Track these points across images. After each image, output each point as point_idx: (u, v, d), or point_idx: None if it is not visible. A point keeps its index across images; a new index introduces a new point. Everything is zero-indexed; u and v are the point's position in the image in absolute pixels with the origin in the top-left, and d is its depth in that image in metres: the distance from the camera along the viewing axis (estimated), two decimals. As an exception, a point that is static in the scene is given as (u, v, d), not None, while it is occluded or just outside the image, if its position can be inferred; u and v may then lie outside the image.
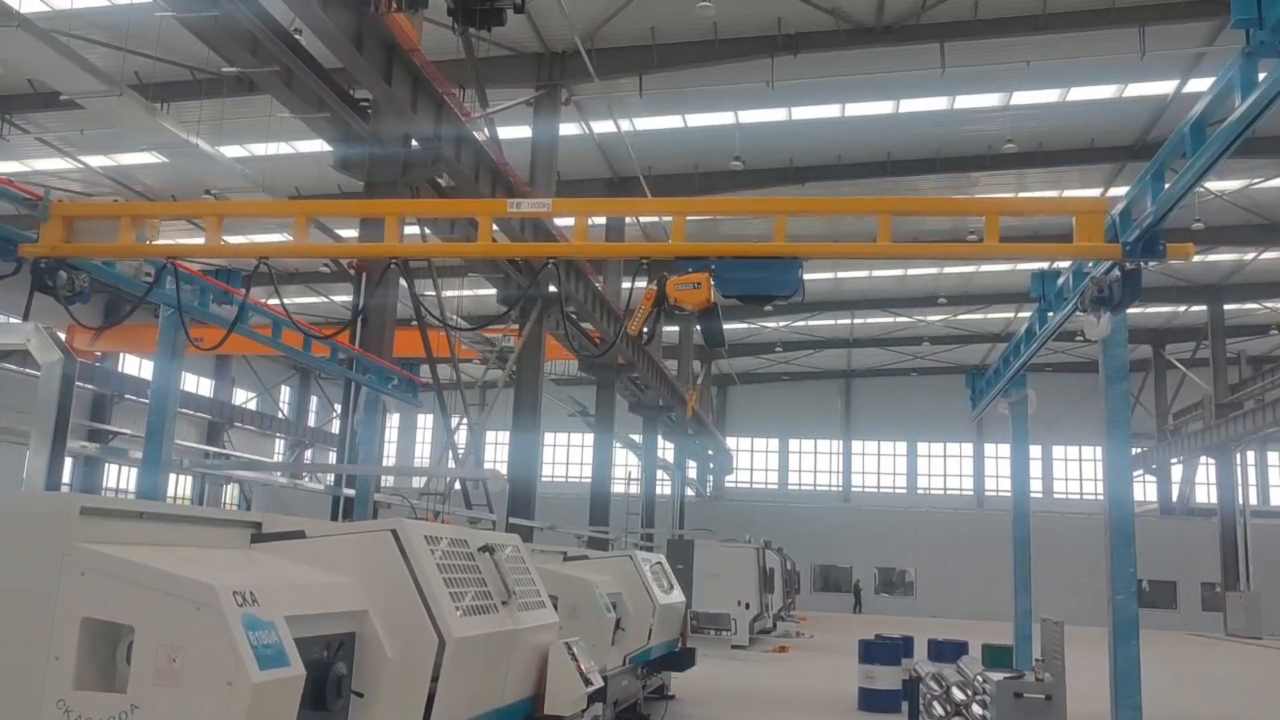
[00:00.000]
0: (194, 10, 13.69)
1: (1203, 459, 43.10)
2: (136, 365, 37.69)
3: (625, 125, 25.90)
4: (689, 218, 8.54)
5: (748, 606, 22.85)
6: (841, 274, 37.73)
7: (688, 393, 36.83)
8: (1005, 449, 17.86)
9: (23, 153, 27.86)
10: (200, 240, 8.79)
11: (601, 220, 30.86)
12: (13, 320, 9.94)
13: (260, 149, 25.09)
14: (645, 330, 7.78)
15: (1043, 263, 9.49)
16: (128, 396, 34.92)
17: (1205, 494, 45.51)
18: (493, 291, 25.41)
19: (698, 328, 8.51)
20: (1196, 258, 35.08)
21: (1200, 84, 23.16)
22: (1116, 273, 7.44)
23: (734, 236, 34.66)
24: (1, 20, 12.88)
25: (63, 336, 6.90)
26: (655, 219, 30.75)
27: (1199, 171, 6.51)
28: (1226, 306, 39.98)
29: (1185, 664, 24.10)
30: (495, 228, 20.71)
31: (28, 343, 6.70)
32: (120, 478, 38.11)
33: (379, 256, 8.11)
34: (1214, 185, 28.01)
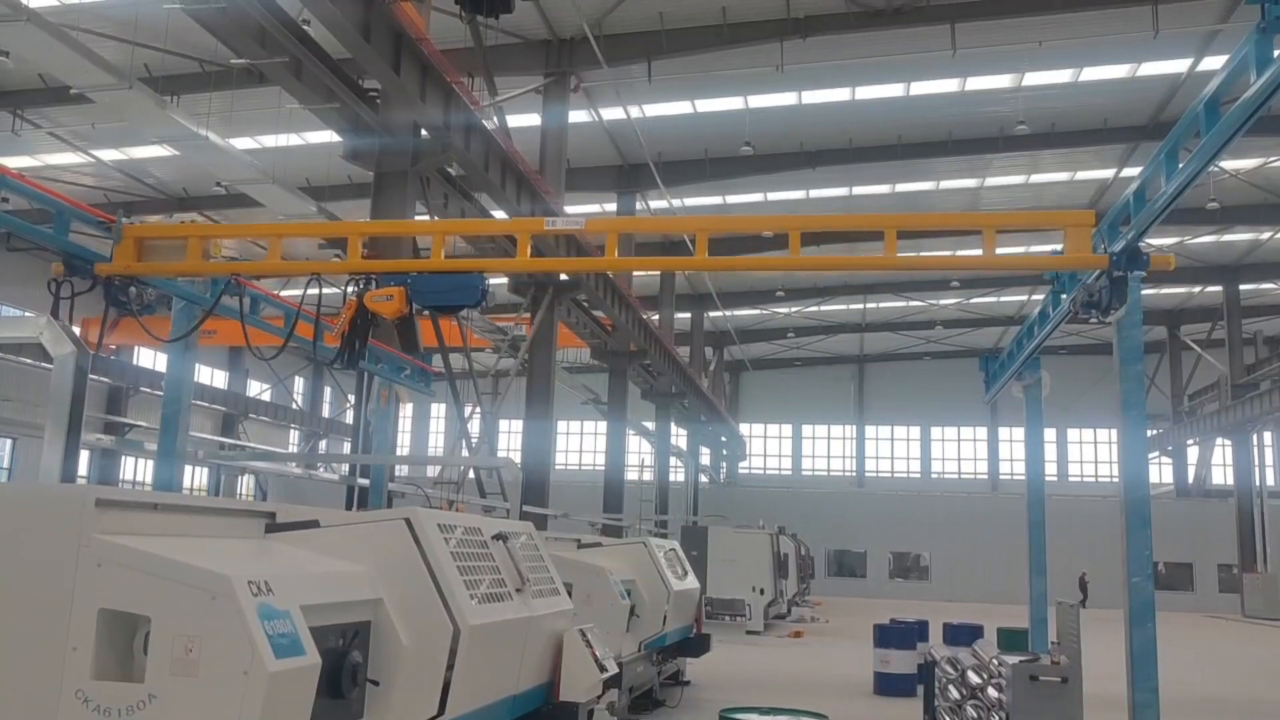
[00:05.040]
0: (202, 3, 13.71)
1: (1219, 440, 42.86)
2: (151, 358, 37.88)
3: (635, 111, 25.80)
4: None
5: (762, 592, 22.89)
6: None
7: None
8: (1020, 432, 17.80)
9: (35, 147, 27.99)
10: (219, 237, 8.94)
11: (612, 205, 30.79)
12: (27, 314, 10.11)
13: (270, 140, 25.12)
14: (346, 341, 8.38)
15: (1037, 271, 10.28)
16: (143, 389, 35.12)
17: (1222, 475, 45.28)
18: (504, 280, 25.45)
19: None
20: (1211, 238, 35.07)
21: (1214, 62, 22.90)
22: (1105, 280, 7.81)
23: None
24: (11, 15, 12.92)
25: (77, 330, 6.93)
26: (665, 204, 30.63)
27: (1211, 152, 6.45)
28: (1242, 287, 39.69)
29: (1202, 646, 24.02)
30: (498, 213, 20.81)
31: (40, 336, 6.72)
32: (137, 470, 38.42)
33: (431, 271, 8.66)
34: (1229, 164, 27.74)
